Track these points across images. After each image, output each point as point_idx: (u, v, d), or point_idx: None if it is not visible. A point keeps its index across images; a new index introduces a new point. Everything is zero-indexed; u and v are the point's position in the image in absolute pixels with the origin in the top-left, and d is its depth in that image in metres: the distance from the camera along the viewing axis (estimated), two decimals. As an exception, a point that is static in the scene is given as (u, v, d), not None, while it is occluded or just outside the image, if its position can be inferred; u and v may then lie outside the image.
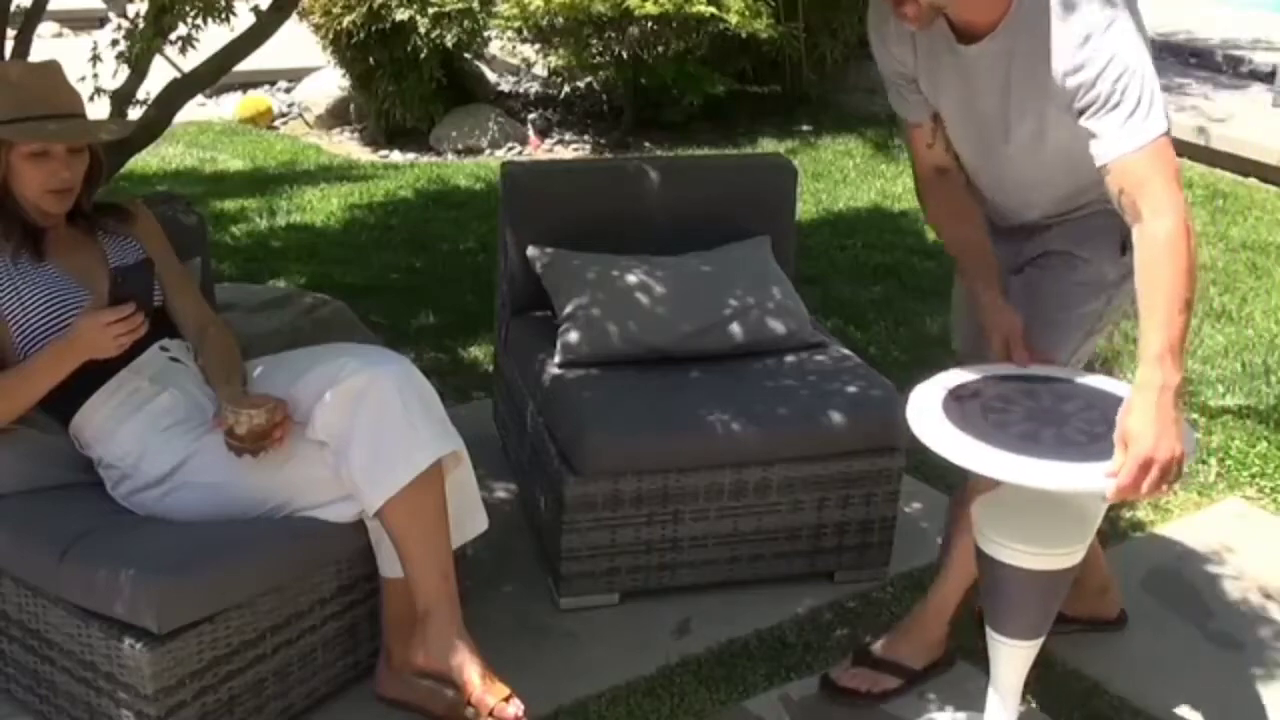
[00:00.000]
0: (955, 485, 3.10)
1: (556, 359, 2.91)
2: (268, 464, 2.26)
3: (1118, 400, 2.18)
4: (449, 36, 6.15)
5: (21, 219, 2.36)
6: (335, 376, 2.25)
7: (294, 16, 3.85)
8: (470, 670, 2.18)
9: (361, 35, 6.18)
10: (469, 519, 2.43)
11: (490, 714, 2.14)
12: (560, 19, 6.21)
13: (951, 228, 2.34)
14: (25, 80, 2.38)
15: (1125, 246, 2.05)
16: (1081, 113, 1.92)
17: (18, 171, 2.32)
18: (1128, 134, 1.88)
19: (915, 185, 2.39)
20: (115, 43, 3.25)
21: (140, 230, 2.54)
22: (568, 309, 2.95)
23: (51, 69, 2.41)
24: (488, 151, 6.50)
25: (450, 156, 6.48)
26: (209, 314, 2.58)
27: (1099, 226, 2.20)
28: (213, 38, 3.32)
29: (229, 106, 7.20)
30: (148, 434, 2.32)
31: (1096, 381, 2.24)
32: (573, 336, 2.91)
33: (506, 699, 2.15)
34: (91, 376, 2.31)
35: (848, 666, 2.55)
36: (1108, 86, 1.87)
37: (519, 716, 2.14)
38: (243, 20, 3.38)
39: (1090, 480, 1.93)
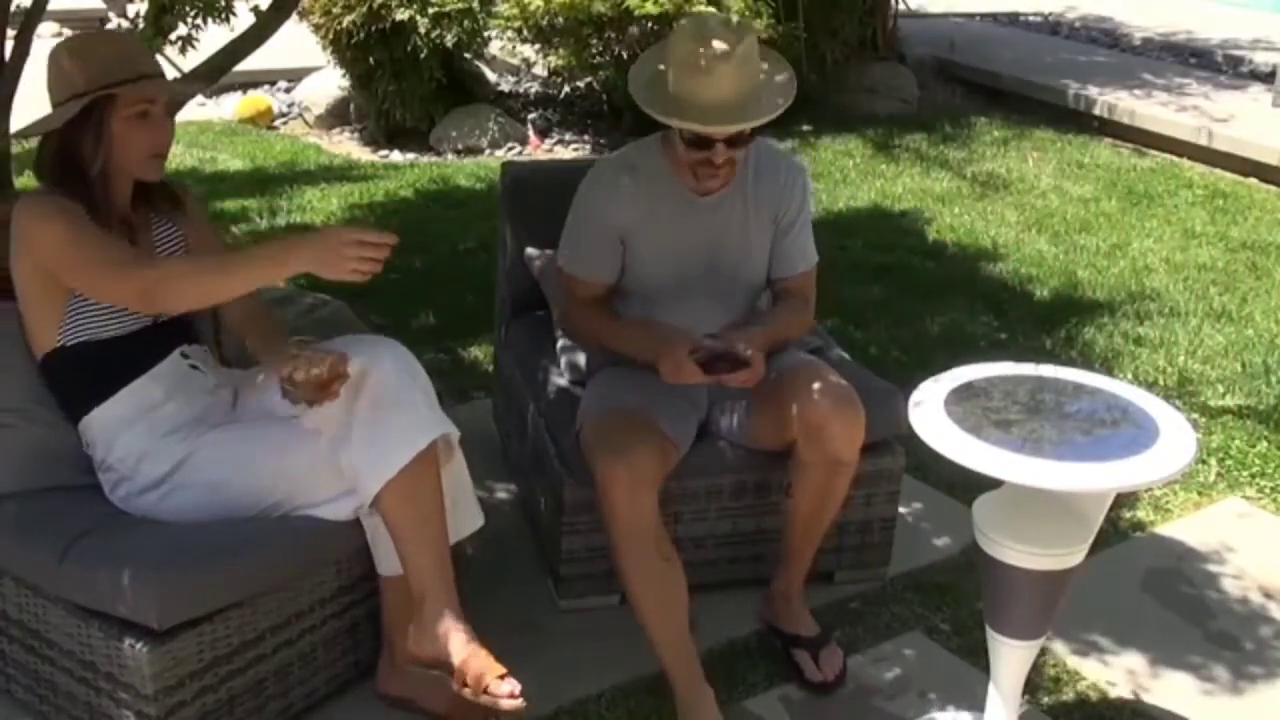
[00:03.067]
0: (955, 485, 3.12)
1: (556, 360, 2.91)
2: (265, 459, 2.27)
3: (1120, 401, 2.18)
4: (449, 36, 6.15)
5: (116, 209, 2.33)
6: None
7: (294, 16, 3.86)
8: (466, 649, 2.17)
9: (361, 35, 6.17)
10: (464, 515, 2.43)
11: (485, 691, 2.12)
12: (560, 19, 6.20)
13: (626, 325, 2.66)
14: (113, 46, 2.37)
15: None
16: (785, 231, 2.68)
17: (121, 137, 2.28)
18: (811, 252, 2.74)
19: (572, 317, 2.74)
20: (115, 43, 3.25)
21: (187, 214, 2.51)
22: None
23: (131, 36, 2.41)
24: (488, 151, 6.50)
25: (450, 156, 6.47)
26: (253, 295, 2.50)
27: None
28: (213, 38, 3.32)
29: (229, 106, 7.20)
30: (147, 441, 2.32)
31: (1098, 382, 2.25)
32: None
33: (501, 676, 2.13)
34: (108, 381, 2.32)
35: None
36: (805, 216, 2.71)
37: (513, 694, 2.12)
38: (243, 20, 3.39)
39: (1092, 480, 1.94)
